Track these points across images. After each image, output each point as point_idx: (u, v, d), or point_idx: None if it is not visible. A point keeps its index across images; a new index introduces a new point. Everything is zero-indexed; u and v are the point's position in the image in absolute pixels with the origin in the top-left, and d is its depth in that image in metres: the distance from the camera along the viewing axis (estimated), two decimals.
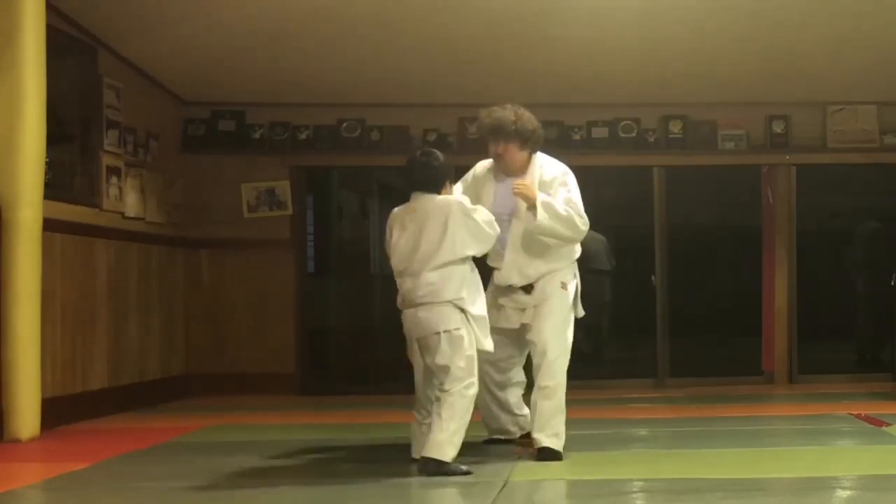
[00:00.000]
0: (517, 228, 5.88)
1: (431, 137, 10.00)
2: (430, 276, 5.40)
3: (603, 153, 10.12)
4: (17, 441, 6.58)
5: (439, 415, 5.33)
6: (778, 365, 10.23)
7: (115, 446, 6.48)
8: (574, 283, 5.99)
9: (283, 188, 9.98)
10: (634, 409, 8.48)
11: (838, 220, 14.42)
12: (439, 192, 5.59)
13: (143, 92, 9.08)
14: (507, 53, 8.79)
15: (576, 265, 6.06)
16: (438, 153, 5.70)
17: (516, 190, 5.77)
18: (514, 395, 6.20)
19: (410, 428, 5.70)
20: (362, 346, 12.20)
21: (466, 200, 5.65)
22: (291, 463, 5.78)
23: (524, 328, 5.96)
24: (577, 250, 6.07)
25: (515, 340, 6.06)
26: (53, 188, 7.25)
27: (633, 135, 10.14)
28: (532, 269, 5.90)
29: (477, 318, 5.46)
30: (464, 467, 5.32)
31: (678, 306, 10.72)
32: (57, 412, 7.18)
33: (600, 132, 10.13)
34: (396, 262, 5.55)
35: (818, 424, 7.26)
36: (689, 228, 13.72)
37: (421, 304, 5.41)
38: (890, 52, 8.80)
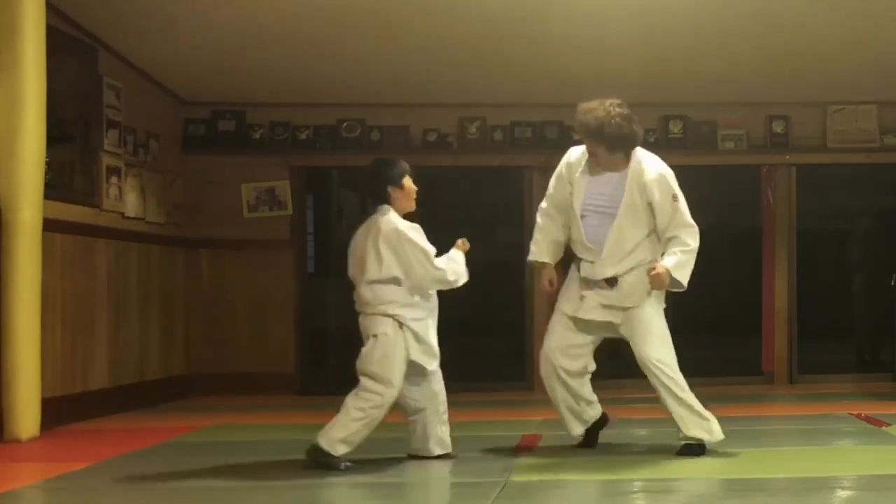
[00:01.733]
0: (618, 224, 5.88)
1: (431, 137, 10.01)
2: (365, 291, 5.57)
3: None
4: (17, 441, 6.58)
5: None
6: (778, 365, 10.23)
7: (115, 446, 6.47)
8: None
9: (283, 188, 9.98)
10: (634, 409, 8.47)
11: (838, 220, 14.43)
12: (387, 202, 5.64)
13: (143, 92, 9.08)
14: (507, 53, 8.79)
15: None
16: (382, 160, 5.80)
17: (655, 285, 5.89)
18: (587, 385, 6.24)
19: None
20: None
21: (416, 231, 5.66)
22: (291, 463, 5.77)
23: (610, 325, 5.99)
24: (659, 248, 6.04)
25: (589, 329, 6.03)
26: (53, 188, 7.25)
27: None
28: (626, 262, 5.90)
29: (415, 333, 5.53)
30: (348, 463, 5.42)
31: (678, 306, 10.69)
32: (57, 412, 7.17)
33: None
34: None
35: (818, 424, 7.26)
36: None
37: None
38: (890, 52, 8.80)
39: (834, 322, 12.83)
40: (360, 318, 5.66)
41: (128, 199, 8.71)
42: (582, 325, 5.98)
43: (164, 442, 6.72)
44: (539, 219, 6.12)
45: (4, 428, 6.61)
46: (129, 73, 8.77)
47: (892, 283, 10.70)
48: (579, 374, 6.10)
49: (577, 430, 6.16)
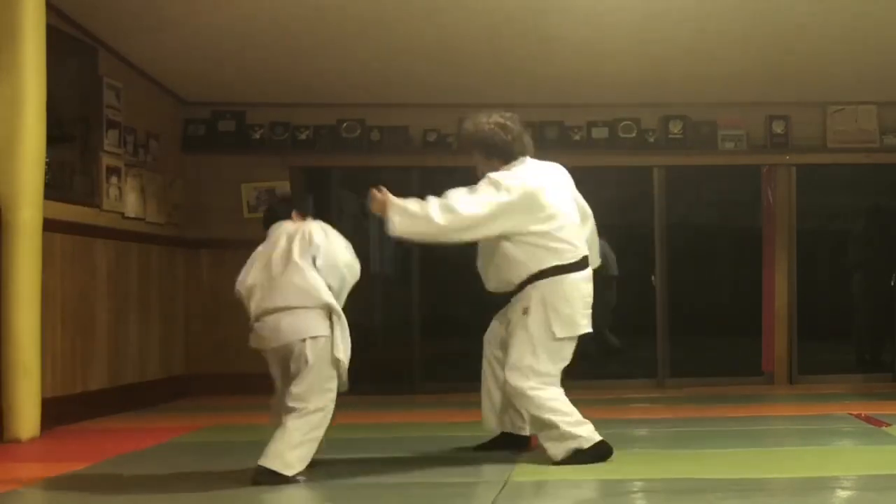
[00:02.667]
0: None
1: (431, 137, 10.01)
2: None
3: (603, 153, 10.12)
4: (17, 441, 6.58)
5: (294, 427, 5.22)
6: (778, 365, 10.23)
7: (115, 446, 6.47)
8: (540, 304, 5.63)
9: (283, 188, 9.98)
10: (634, 409, 8.48)
11: (838, 220, 14.43)
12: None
13: (143, 92, 9.08)
14: (507, 53, 8.79)
15: (550, 282, 5.66)
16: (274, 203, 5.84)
17: (373, 208, 5.62)
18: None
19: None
20: (362, 347, 12.17)
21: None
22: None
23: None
24: (551, 257, 5.67)
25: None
26: (53, 188, 7.25)
27: (633, 135, 10.14)
28: (495, 279, 5.77)
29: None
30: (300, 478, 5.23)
31: (678, 306, 10.72)
32: (57, 412, 7.17)
33: (600, 132, 10.13)
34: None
35: (818, 424, 7.25)
36: (689, 228, 13.73)
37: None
38: (890, 52, 8.80)
39: (834, 322, 12.83)
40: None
41: (128, 200, 8.71)
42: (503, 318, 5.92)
43: (164, 442, 6.72)
44: None
45: (4, 428, 6.61)
46: (129, 73, 8.77)
47: (893, 283, 10.70)
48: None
49: (491, 424, 6.03)
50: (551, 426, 5.57)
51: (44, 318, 6.88)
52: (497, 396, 5.92)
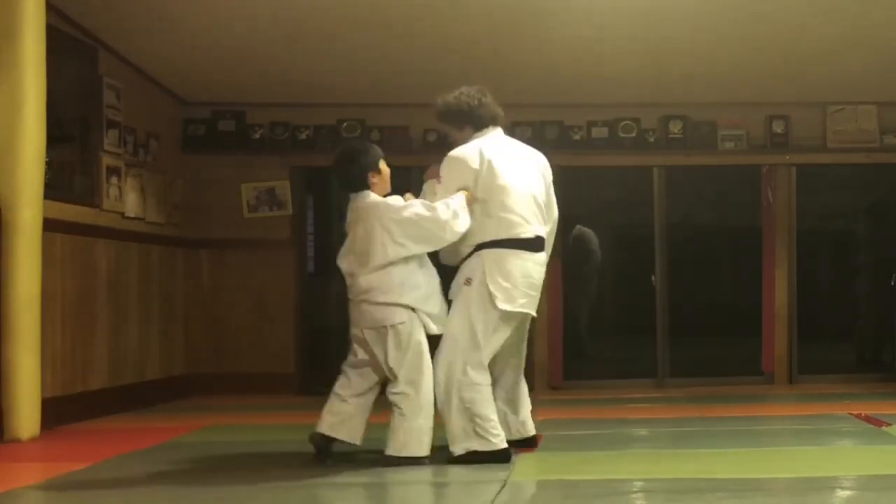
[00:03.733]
0: None
1: (431, 137, 10.01)
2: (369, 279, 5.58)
3: (603, 153, 10.13)
4: (17, 441, 6.58)
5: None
6: (778, 365, 10.22)
7: (115, 446, 6.47)
8: (481, 274, 5.62)
9: (283, 188, 9.98)
10: (634, 409, 8.47)
11: (838, 220, 14.43)
12: (367, 188, 5.67)
13: (143, 92, 9.08)
14: (506, 53, 8.79)
15: (492, 253, 5.66)
16: (356, 147, 5.88)
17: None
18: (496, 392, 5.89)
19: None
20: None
21: (397, 199, 5.66)
22: (291, 463, 5.77)
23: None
24: (498, 227, 5.66)
25: None
26: (53, 188, 7.25)
27: (633, 135, 10.14)
28: (446, 249, 5.74)
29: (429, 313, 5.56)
30: None
31: (678, 306, 10.72)
32: (57, 412, 7.17)
33: (600, 132, 10.13)
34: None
35: (818, 424, 7.25)
36: (689, 228, 13.73)
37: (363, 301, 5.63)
38: (890, 52, 8.80)
39: (834, 322, 12.84)
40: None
41: (128, 199, 8.71)
42: None
43: (164, 442, 6.72)
44: None
45: (4, 428, 6.61)
46: (129, 73, 8.77)
47: (893, 283, 10.70)
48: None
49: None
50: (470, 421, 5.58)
51: (44, 319, 6.88)
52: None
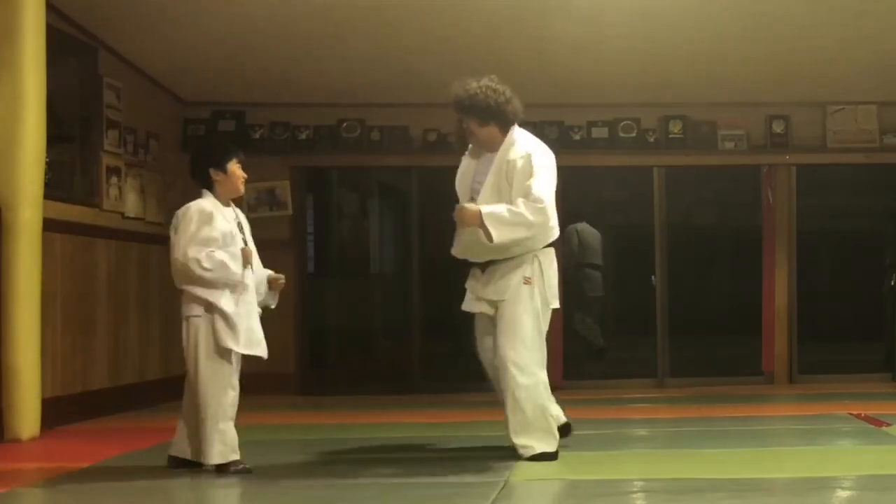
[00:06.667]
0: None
1: (431, 137, 10.01)
2: None
3: (603, 153, 10.13)
4: (17, 441, 6.58)
5: None
6: (778, 365, 10.23)
7: (115, 446, 6.48)
8: (539, 274, 5.63)
9: (283, 188, 9.98)
10: (634, 409, 8.48)
11: (838, 220, 14.43)
12: (210, 186, 5.73)
13: (143, 92, 9.08)
14: (506, 53, 8.79)
15: (545, 252, 5.68)
16: (207, 144, 5.76)
17: (457, 218, 5.57)
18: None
19: None
20: (362, 346, 12.20)
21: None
22: (291, 463, 5.77)
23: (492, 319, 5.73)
24: (548, 235, 5.67)
25: (483, 322, 5.82)
26: (53, 188, 7.25)
27: (633, 135, 10.15)
28: (487, 252, 5.62)
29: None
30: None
31: (678, 306, 10.72)
32: (57, 412, 7.17)
33: (600, 132, 10.13)
34: None
35: (818, 424, 7.25)
36: (689, 228, 13.73)
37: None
38: (890, 52, 8.80)
39: (834, 322, 12.83)
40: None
41: (128, 199, 8.71)
42: (476, 318, 5.86)
43: (164, 442, 6.71)
44: None
45: (4, 428, 6.61)
46: (129, 73, 8.77)
47: (893, 284, 10.70)
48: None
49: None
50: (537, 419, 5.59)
51: (44, 319, 6.88)
52: None
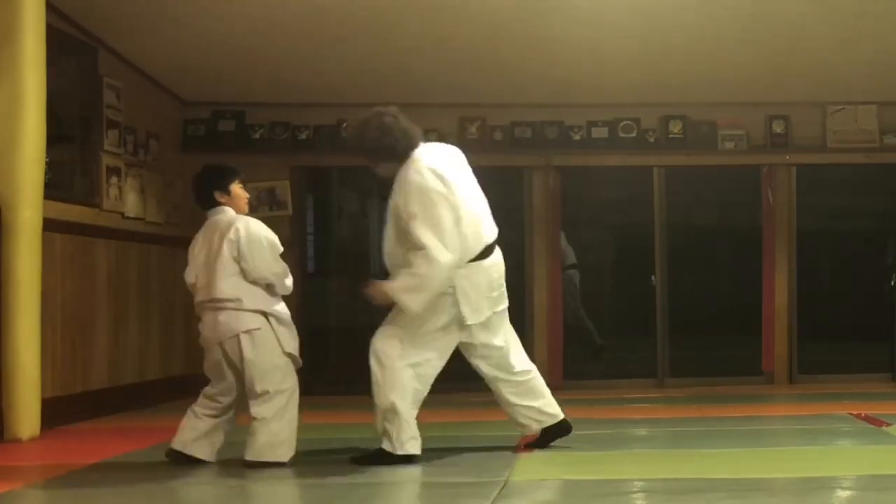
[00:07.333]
0: (386, 233, 5.92)
1: (431, 137, 9.99)
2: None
3: (603, 153, 10.13)
4: (17, 441, 6.58)
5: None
6: (778, 365, 10.23)
7: (115, 446, 6.48)
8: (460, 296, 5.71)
9: (283, 188, 9.98)
10: (634, 409, 8.47)
11: (838, 220, 14.41)
12: (213, 205, 5.80)
13: (143, 92, 9.08)
14: (506, 53, 8.79)
15: (462, 274, 5.70)
16: (207, 170, 5.89)
17: (372, 296, 5.83)
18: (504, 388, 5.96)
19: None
20: (363, 347, 12.16)
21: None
22: (292, 463, 5.77)
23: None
24: (454, 265, 5.66)
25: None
26: (53, 188, 7.25)
27: (633, 135, 10.15)
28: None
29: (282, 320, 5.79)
30: None
31: (678, 306, 10.71)
32: (57, 412, 7.17)
33: (600, 132, 10.13)
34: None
35: (818, 424, 7.25)
36: (689, 228, 13.71)
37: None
38: (890, 52, 8.81)
39: (834, 322, 12.82)
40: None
41: (128, 199, 8.71)
42: None
43: (164, 442, 6.70)
44: None
45: (4, 428, 6.61)
46: (129, 73, 8.77)
47: (893, 284, 10.69)
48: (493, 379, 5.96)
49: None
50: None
51: (43, 319, 6.88)
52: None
